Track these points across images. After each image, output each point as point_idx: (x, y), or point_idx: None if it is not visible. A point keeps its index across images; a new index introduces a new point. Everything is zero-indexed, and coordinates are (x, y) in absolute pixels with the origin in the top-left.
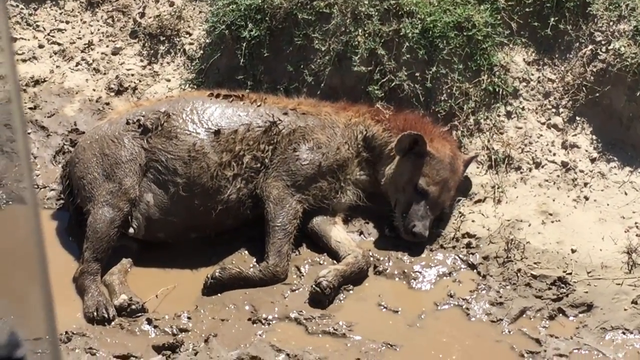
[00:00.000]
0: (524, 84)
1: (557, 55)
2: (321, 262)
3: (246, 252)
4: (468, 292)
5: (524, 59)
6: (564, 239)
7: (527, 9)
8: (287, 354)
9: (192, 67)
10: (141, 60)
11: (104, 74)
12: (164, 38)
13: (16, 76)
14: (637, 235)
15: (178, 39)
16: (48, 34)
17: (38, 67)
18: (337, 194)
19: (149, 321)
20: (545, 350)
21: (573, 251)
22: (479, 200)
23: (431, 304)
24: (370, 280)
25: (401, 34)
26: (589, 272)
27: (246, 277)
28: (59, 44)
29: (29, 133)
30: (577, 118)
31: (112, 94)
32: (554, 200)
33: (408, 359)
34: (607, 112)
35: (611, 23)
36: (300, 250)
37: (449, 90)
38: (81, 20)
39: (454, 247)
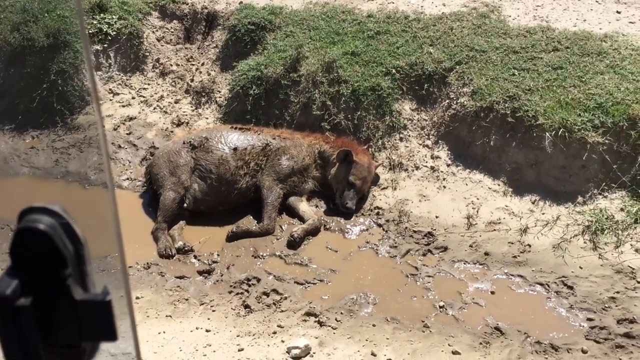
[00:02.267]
0: (410, 121)
1: (428, 106)
2: (294, 223)
3: (251, 217)
4: (377, 240)
5: (409, 107)
6: (431, 210)
7: (412, 79)
8: (274, 276)
9: (220, 111)
10: (191, 107)
11: (170, 114)
12: (205, 94)
13: (101, 115)
14: (472, 208)
15: (213, 95)
16: (137, 91)
17: (131, 110)
18: (303, 184)
19: (195, 256)
20: (420, 273)
21: (436, 217)
22: (384, 188)
23: (356, 247)
24: (322, 234)
25: (340, 92)
26: (446, 229)
27: (251, 232)
28: (143, 97)
29: (126, 148)
30: (440, 141)
31: (174, 126)
32: (426, 188)
33: (343, 277)
34: (457, 138)
35: (459, 87)
36: (282, 216)
37: (367, 125)
38: (156, 83)
39: (369, 215)
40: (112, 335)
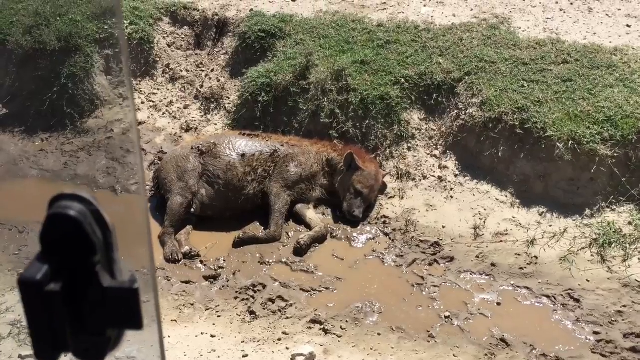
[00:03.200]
0: (418, 131)
1: (437, 116)
2: (300, 230)
3: (258, 223)
4: (384, 249)
5: (418, 117)
6: (438, 220)
7: (420, 89)
8: (280, 282)
9: (229, 117)
10: (200, 113)
11: (179, 119)
12: (214, 100)
13: (135, 116)
14: (480, 218)
15: (222, 101)
16: (146, 96)
17: (141, 114)
18: (310, 191)
19: (201, 262)
20: (426, 283)
21: (443, 227)
22: (391, 197)
23: (362, 255)
24: (328, 241)
25: (349, 101)
26: (452, 239)
27: (258, 238)
28: (152, 102)
29: (134, 152)
30: (448, 151)
31: (183, 131)
32: (433, 198)
33: (349, 285)
34: (465, 148)
35: (468, 98)
36: (289, 223)
37: (375, 134)
38: (166, 88)
39: (376, 223)
40: (137, 324)
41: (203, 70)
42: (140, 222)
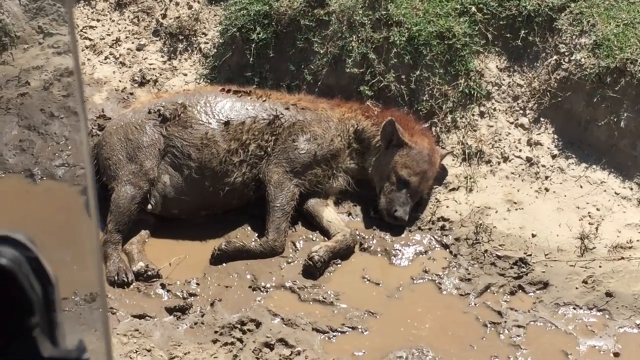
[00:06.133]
0: (496, 87)
1: (525, 64)
2: (314, 238)
3: (249, 228)
4: (441, 268)
5: (496, 66)
6: (525, 225)
7: (500, 22)
8: (282, 318)
9: (206, 64)
10: (162, 56)
11: (129, 67)
12: (183, 37)
13: (80, 74)
14: (589, 223)
15: (195, 39)
16: (81, 31)
17: (71, 59)
18: (329, 179)
19: (163, 286)
20: (505, 322)
21: (533, 235)
22: (453, 189)
23: (408, 278)
24: (356, 256)
25: (390, 40)
26: (547, 254)
27: (248, 250)
28: (90, 40)
29: (62, 118)
30: (542, 119)
31: (136, 85)
32: (518, 191)
33: (386, 325)
34: (568, 114)
35: (574, 37)
36: (296, 227)
37: (430, 92)
38: (110, 19)
39: (430, 229)
40: None
41: None
42: (78, 228)
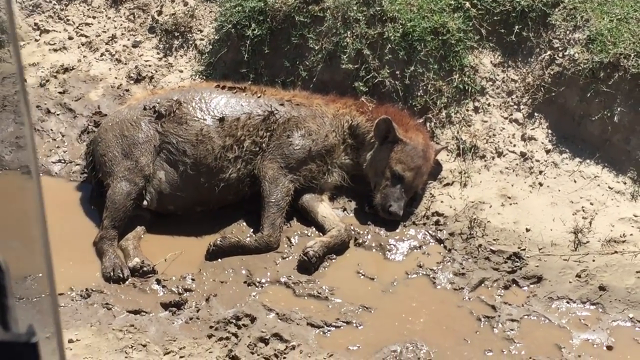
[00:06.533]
0: (490, 83)
1: (519, 59)
2: (309, 234)
3: (244, 223)
4: (435, 263)
5: (490, 61)
6: (519, 220)
7: (494, 18)
8: (277, 313)
9: (202, 60)
10: (157, 53)
11: (125, 64)
12: (178, 34)
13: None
14: (583, 217)
15: (190, 35)
16: (77, 27)
17: (67, 56)
18: (324, 175)
19: (158, 281)
20: (499, 316)
21: (527, 230)
22: (447, 184)
23: (403, 272)
24: (350, 251)
25: (384, 36)
26: (540, 248)
27: (243, 246)
28: (86, 37)
29: (58, 114)
30: (535, 114)
31: (132, 82)
32: (512, 186)
33: (381, 320)
34: (562, 109)
35: (567, 32)
36: (291, 223)
37: (424, 87)
38: (106, 16)
39: (424, 224)
40: None
41: None
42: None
